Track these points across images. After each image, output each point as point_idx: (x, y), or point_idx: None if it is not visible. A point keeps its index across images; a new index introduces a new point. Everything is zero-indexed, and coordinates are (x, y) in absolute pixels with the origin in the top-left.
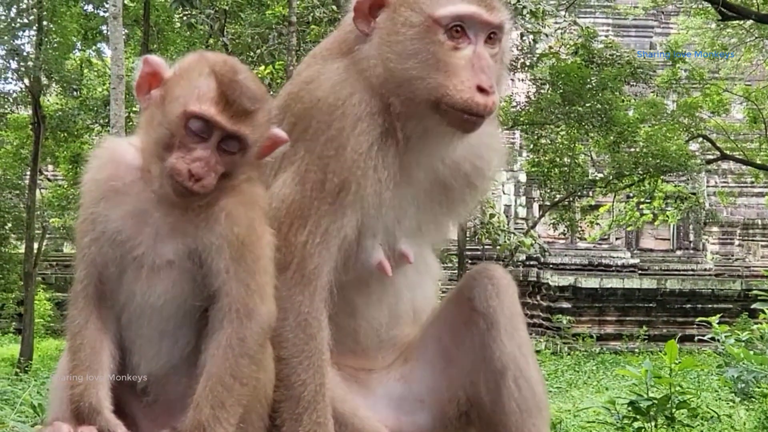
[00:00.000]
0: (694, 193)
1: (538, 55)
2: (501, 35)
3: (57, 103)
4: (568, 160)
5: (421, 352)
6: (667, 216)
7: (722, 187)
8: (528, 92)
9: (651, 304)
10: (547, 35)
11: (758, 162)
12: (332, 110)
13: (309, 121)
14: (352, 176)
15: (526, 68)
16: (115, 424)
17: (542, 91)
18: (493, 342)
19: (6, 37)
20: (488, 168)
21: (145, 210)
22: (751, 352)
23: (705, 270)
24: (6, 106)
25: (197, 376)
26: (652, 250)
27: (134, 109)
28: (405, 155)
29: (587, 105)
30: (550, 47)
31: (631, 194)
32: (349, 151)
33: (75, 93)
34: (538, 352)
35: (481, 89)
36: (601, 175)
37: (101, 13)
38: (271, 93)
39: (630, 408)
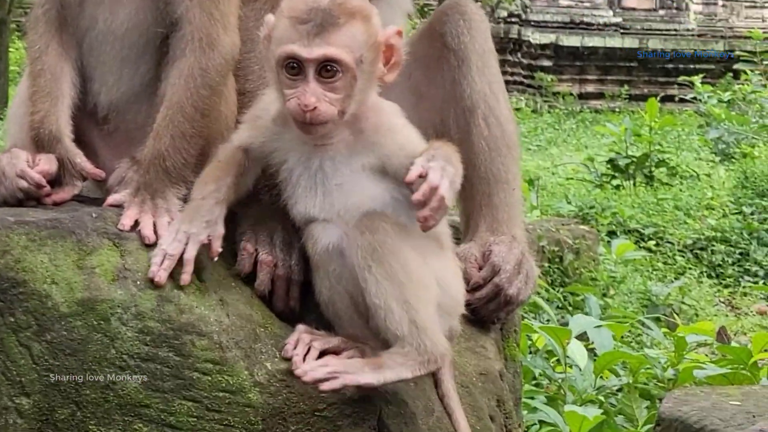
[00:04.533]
0: None
1: None
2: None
3: None
4: None
5: (391, 88)
6: None
7: None
8: None
9: (632, 64)
10: None
11: None
12: None
13: None
14: None
15: None
16: (74, 152)
17: None
18: (464, 79)
19: None
20: None
21: None
22: (733, 113)
23: (687, 30)
24: None
25: (158, 105)
26: (634, 9)
27: None
28: None
29: None
30: None
31: None
32: None
33: None
34: (518, 110)
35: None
36: None
37: None
38: None
39: (609, 165)
